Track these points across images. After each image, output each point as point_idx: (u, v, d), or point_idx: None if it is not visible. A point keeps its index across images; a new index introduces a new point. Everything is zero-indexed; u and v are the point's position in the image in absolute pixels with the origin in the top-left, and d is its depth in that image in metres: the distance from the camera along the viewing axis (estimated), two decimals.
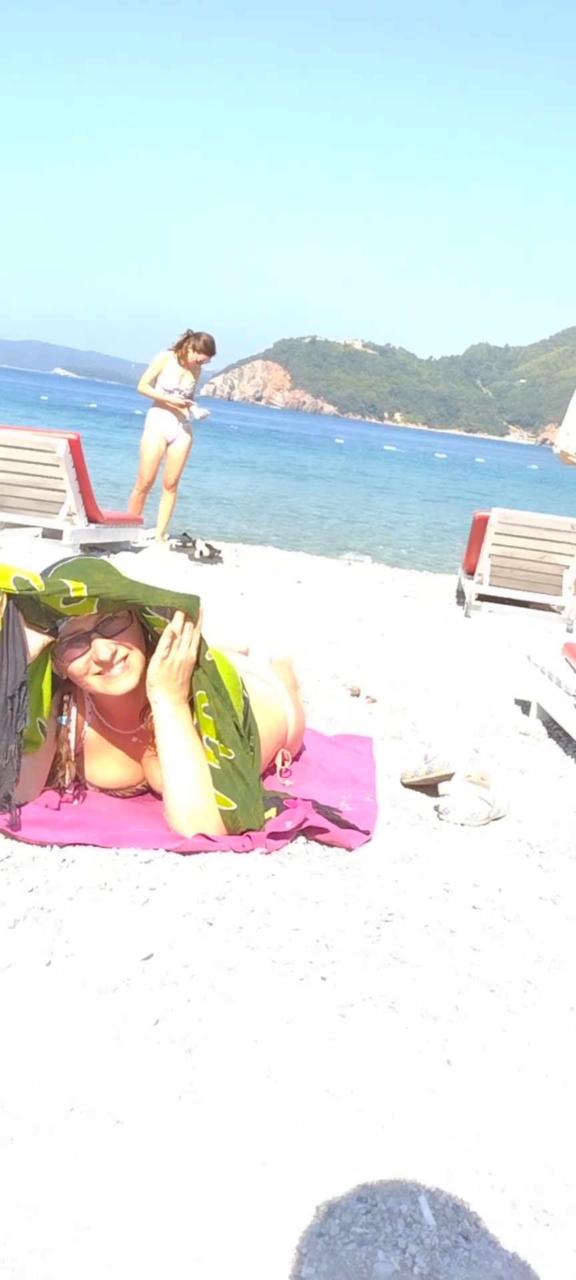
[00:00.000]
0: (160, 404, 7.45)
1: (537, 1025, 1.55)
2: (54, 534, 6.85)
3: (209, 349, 7.36)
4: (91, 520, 7.05)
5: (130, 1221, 1.06)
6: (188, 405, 7.46)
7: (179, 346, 7.36)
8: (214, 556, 7.35)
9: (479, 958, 1.74)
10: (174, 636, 2.01)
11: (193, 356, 7.33)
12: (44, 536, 6.96)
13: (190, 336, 7.35)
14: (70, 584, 1.90)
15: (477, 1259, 1.07)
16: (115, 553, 7.05)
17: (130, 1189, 1.10)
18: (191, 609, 2.03)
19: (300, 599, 6.06)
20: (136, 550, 7.44)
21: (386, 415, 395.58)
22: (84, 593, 1.90)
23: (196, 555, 7.32)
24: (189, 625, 2.03)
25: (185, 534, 8.09)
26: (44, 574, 1.95)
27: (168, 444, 7.56)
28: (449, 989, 1.62)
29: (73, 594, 1.90)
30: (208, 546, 7.52)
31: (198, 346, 7.32)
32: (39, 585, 1.90)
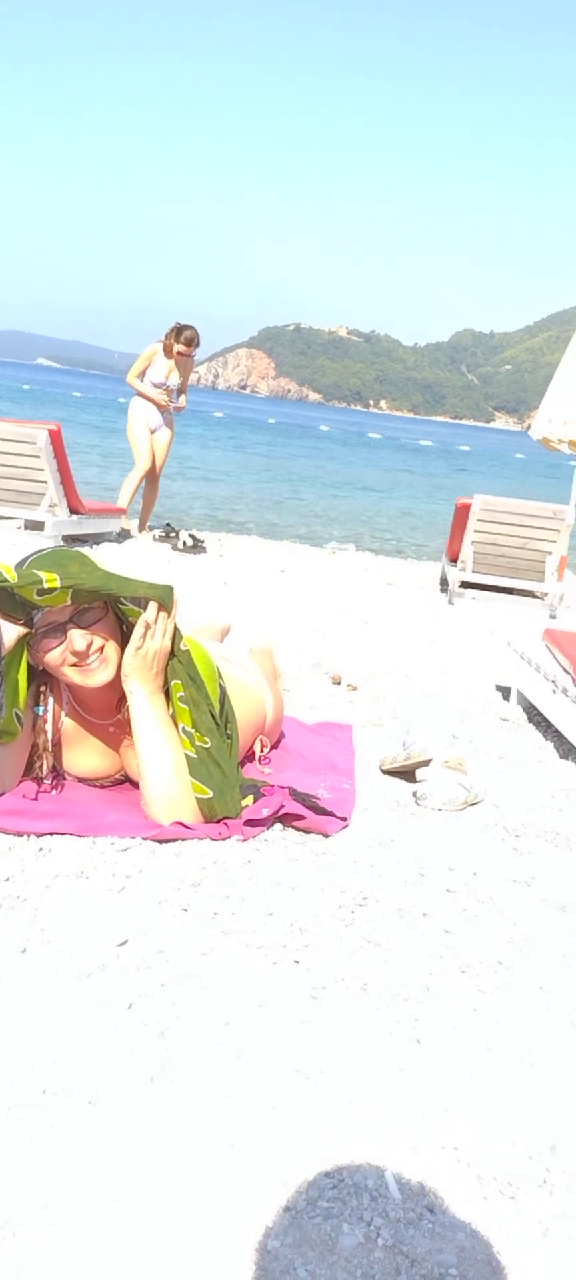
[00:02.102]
0: (142, 396, 7.48)
1: (507, 1005, 1.58)
2: (36, 525, 6.83)
3: (189, 342, 7.41)
4: (73, 511, 7.03)
5: (102, 1200, 1.07)
6: (168, 405, 7.50)
7: (166, 340, 7.41)
8: (197, 546, 7.35)
9: (451, 940, 1.76)
10: (148, 626, 2.02)
11: (176, 349, 7.38)
12: (26, 528, 6.93)
13: (175, 329, 7.40)
14: (43, 575, 1.91)
15: (441, 1230, 1.09)
16: (98, 544, 7.04)
17: (103, 1169, 1.12)
18: (165, 599, 2.04)
19: (284, 587, 6.07)
20: (119, 541, 7.43)
21: (372, 403, 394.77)
22: (57, 584, 1.91)
23: (180, 545, 7.31)
24: (163, 615, 2.04)
25: (168, 524, 8.08)
26: (18, 565, 1.96)
27: (151, 433, 7.58)
28: (420, 970, 1.64)
29: (46, 585, 1.90)
30: (191, 536, 7.52)
31: (179, 340, 7.37)
32: (12, 577, 1.91)
